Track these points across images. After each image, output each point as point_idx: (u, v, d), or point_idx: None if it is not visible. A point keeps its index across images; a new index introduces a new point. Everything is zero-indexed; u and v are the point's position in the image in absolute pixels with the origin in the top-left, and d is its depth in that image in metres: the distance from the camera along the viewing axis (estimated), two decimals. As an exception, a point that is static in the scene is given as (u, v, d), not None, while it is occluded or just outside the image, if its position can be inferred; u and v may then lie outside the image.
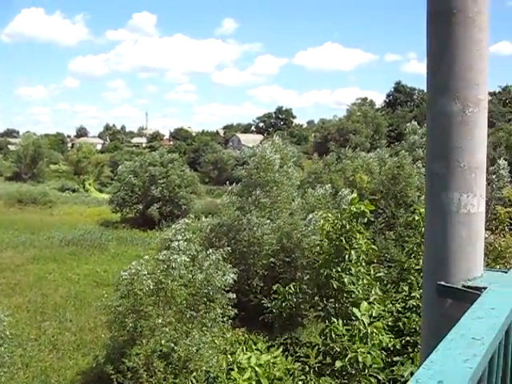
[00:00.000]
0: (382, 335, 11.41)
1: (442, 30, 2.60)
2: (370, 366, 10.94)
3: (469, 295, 2.38)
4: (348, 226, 12.40)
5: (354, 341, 11.38)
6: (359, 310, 11.46)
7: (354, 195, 14.00)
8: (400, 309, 13.19)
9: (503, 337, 1.98)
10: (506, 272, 2.71)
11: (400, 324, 12.85)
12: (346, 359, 10.93)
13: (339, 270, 12.23)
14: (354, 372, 11.23)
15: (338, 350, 11.58)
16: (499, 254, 21.14)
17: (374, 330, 11.22)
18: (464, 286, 2.54)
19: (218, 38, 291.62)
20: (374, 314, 11.45)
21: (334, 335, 11.72)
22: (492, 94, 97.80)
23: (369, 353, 10.99)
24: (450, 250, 2.61)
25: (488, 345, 1.65)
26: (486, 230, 24.51)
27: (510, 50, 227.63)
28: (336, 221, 12.91)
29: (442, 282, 2.59)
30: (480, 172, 2.61)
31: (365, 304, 11.73)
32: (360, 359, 10.80)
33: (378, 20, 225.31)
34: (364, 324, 11.32)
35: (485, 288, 2.31)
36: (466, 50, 2.55)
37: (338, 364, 11.10)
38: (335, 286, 12.22)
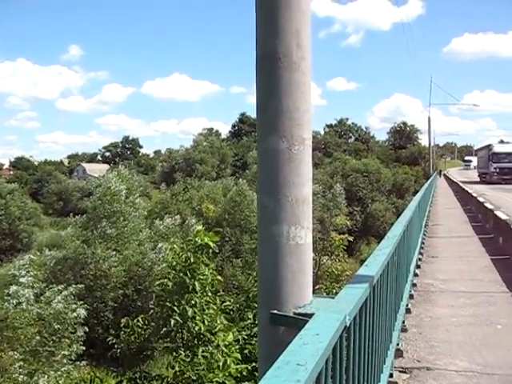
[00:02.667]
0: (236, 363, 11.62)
1: (269, 73, 2.78)
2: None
3: (299, 322, 2.51)
4: (193, 258, 12.42)
5: (212, 369, 11.44)
6: (222, 339, 11.60)
7: (199, 227, 14.10)
8: (246, 336, 13.43)
9: (330, 358, 2.11)
10: (333, 298, 2.89)
11: (246, 351, 13.09)
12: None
13: (182, 302, 12.22)
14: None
15: (194, 378, 11.56)
16: (336, 277, 22.38)
17: (228, 359, 11.38)
18: (295, 314, 2.68)
19: (63, 65, 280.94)
20: (221, 344, 11.59)
21: (182, 367, 11.67)
22: (329, 127, 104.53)
23: (223, 382, 11.09)
24: (281, 280, 2.75)
25: (311, 370, 1.75)
26: (324, 255, 26.12)
27: (345, 86, 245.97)
28: (181, 252, 12.90)
29: (275, 311, 2.72)
30: (307, 205, 2.79)
31: (230, 334, 11.89)
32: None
33: (224, 53, 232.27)
34: (223, 352, 11.42)
35: (313, 314, 2.43)
36: (291, 93, 2.74)
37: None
38: (178, 318, 12.18)
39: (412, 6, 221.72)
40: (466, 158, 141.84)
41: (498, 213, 15.20)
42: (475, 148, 72.29)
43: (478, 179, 59.37)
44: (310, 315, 2.45)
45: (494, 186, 52.94)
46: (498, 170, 51.36)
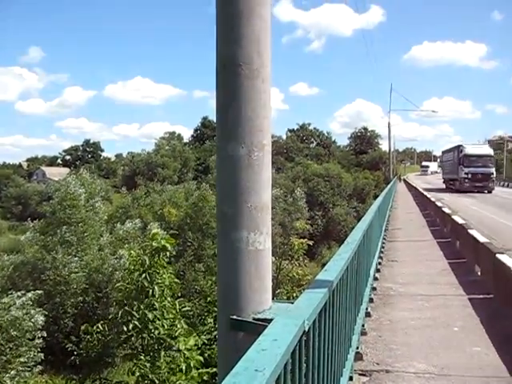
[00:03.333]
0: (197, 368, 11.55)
1: (229, 80, 2.79)
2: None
3: (258, 327, 2.52)
4: (148, 261, 12.26)
5: (175, 372, 11.34)
6: (184, 343, 11.49)
7: (155, 231, 13.96)
8: (206, 341, 13.38)
9: (289, 363, 2.13)
10: (292, 303, 2.91)
11: (206, 356, 13.04)
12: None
13: (142, 307, 12.07)
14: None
15: (157, 382, 11.44)
16: (297, 281, 22.50)
17: (191, 362, 11.31)
18: (254, 319, 2.69)
19: (23, 66, 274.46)
20: (182, 348, 11.49)
21: (143, 371, 11.55)
22: (291, 131, 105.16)
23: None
24: (241, 286, 2.76)
25: (269, 376, 1.76)
26: (284, 259, 26.26)
27: (307, 91, 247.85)
28: (139, 257, 12.73)
29: (234, 316, 2.72)
30: (266, 211, 2.81)
31: (191, 338, 11.79)
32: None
33: (187, 57, 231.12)
34: (185, 357, 11.33)
35: (272, 319, 2.45)
36: (251, 100, 2.76)
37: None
38: (137, 323, 12.02)
39: (373, 13, 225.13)
40: (424, 163, 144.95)
41: (455, 217, 15.54)
42: (443, 149, 65.43)
43: (444, 186, 54.12)
44: (269, 320, 2.46)
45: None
46: (469, 176, 43.94)
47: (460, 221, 14.52)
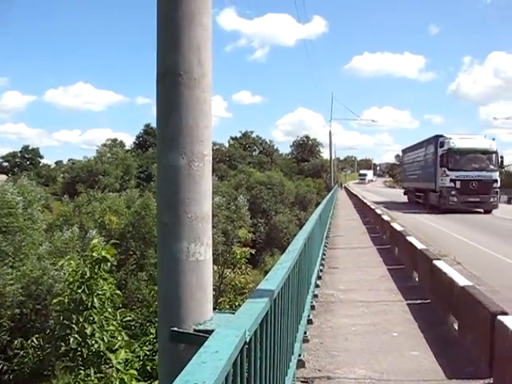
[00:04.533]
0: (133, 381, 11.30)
1: (169, 89, 2.77)
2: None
3: (199, 339, 2.50)
4: (89, 273, 11.95)
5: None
6: (115, 357, 11.22)
7: (95, 241, 13.64)
8: (148, 352, 13.16)
9: (231, 375, 2.12)
10: (234, 313, 2.90)
11: (148, 368, 12.83)
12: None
13: (80, 319, 11.75)
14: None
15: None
16: (240, 290, 22.53)
17: (125, 377, 11.07)
18: (195, 330, 2.67)
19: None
20: (120, 360, 11.26)
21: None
22: (234, 139, 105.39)
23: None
24: (182, 297, 2.73)
25: (209, 389, 1.74)
26: (227, 268, 26.24)
27: (250, 99, 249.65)
28: (78, 268, 12.40)
29: (175, 328, 2.69)
30: (207, 221, 2.80)
31: (122, 352, 11.52)
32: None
33: (130, 63, 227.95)
34: (118, 371, 11.09)
35: (213, 331, 2.43)
36: (192, 109, 2.75)
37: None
38: (77, 336, 11.70)
39: (316, 24, 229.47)
40: (361, 171, 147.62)
41: (394, 224, 15.90)
42: (411, 145, 44.09)
43: (405, 198, 43.17)
44: (211, 332, 2.44)
45: (392, 197, 51.14)
46: (459, 186, 28.76)
47: (398, 228, 14.87)
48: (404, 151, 47.67)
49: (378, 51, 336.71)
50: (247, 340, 2.40)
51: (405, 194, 44.42)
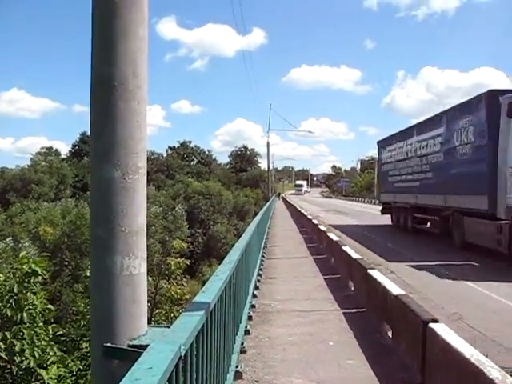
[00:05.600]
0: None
1: (103, 100, 2.73)
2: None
3: (133, 355, 2.45)
4: (17, 288, 11.48)
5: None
6: (47, 374, 10.84)
7: (23, 253, 13.12)
8: (81, 367, 12.79)
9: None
10: (169, 327, 2.86)
11: (81, 383, 12.47)
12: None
13: (8, 336, 11.26)
14: None
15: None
16: (176, 301, 22.30)
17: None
18: (129, 346, 2.62)
19: None
20: (52, 376, 10.88)
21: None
22: (172, 149, 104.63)
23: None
24: (115, 311, 2.68)
25: (143, 407, 1.71)
26: (163, 279, 25.92)
27: (189, 109, 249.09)
28: (7, 281, 11.89)
29: (108, 344, 2.63)
30: (141, 235, 2.76)
31: (54, 368, 11.11)
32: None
33: (67, 70, 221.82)
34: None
35: (147, 346, 2.39)
36: (126, 121, 2.71)
37: None
38: (2, 355, 11.22)
39: (256, 35, 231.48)
40: (297, 182, 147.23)
41: (330, 234, 16.13)
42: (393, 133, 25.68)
43: (387, 219, 27.32)
44: (145, 347, 2.40)
45: (329, 206, 51.08)
46: None
47: (334, 238, 15.10)
48: (384, 143, 28.97)
49: (316, 64, 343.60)
50: (182, 354, 2.37)
51: (384, 212, 28.26)
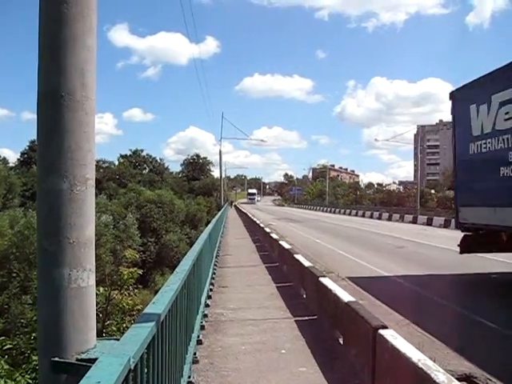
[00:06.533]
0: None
1: (51, 110, 2.70)
2: None
3: (81, 369, 2.42)
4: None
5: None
6: None
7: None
8: (30, 380, 12.49)
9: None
10: (119, 339, 2.83)
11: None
12: None
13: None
14: None
15: None
16: (129, 311, 22.01)
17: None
18: (78, 360, 2.58)
19: None
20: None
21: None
22: (124, 157, 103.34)
23: None
24: (63, 325, 2.63)
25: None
26: (114, 289, 25.57)
27: (142, 117, 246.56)
28: None
29: (56, 358, 2.59)
30: (89, 247, 2.73)
31: (1, 382, 10.81)
32: None
33: (16, 75, 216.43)
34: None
35: (96, 359, 2.35)
36: (74, 132, 2.68)
37: None
38: None
39: (209, 44, 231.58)
40: (250, 190, 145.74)
41: (282, 242, 16.21)
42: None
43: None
44: (94, 360, 2.37)
45: (281, 215, 51.67)
46: None
47: (286, 246, 15.18)
48: (481, 89, 12.69)
49: (269, 73, 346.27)
50: (132, 367, 2.35)
51: (466, 247, 13.71)
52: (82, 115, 2.70)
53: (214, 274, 13.79)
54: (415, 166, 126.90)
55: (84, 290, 2.69)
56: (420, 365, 4.23)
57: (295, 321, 9.04)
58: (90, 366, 2.20)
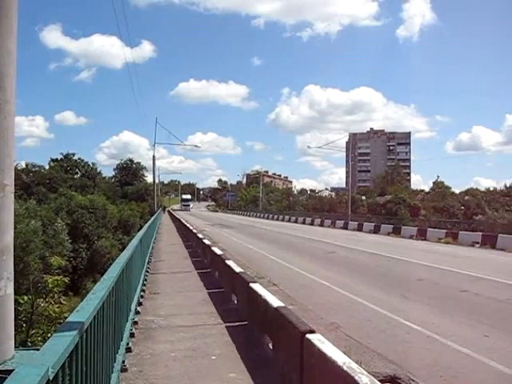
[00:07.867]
0: None
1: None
2: None
3: (-2, 380, 2.35)
4: None
5: None
6: None
7: None
8: None
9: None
10: (38, 349, 2.76)
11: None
12: None
13: None
14: None
15: None
16: (55, 320, 21.43)
17: None
18: (-6, 371, 2.50)
19: None
20: None
21: None
22: (55, 161, 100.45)
23: None
24: (-22, 336, 2.55)
25: None
26: (40, 297, 24.74)
27: (74, 121, 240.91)
28: None
29: (-28, 370, 2.50)
30: (7, 255, 2.64)
31: None
32: None
33: None
34: None
35: (13, 370, 2.29)
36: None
37: None
38: None
39: (144, 48, 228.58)
40: (184, 196, 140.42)
41: (214, 248, 16.19)
42: None
43: None
44: (10, 372, 2.31)
45: (215, 220, 51.55)
46: None
47: (218, 252, 15.18)
48: None
49: (204, 79, 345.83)
50: (51, 378, 2.30)
51: None
52: (1, 119, 2.61)
53: (146, 280, 13.64)
54: (347, 172, 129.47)
55: (1, 299, 2.60)
56: (345, 368, 4.32)
57: (226, 327, 9.07)
58: (5, 378, 2.14)
